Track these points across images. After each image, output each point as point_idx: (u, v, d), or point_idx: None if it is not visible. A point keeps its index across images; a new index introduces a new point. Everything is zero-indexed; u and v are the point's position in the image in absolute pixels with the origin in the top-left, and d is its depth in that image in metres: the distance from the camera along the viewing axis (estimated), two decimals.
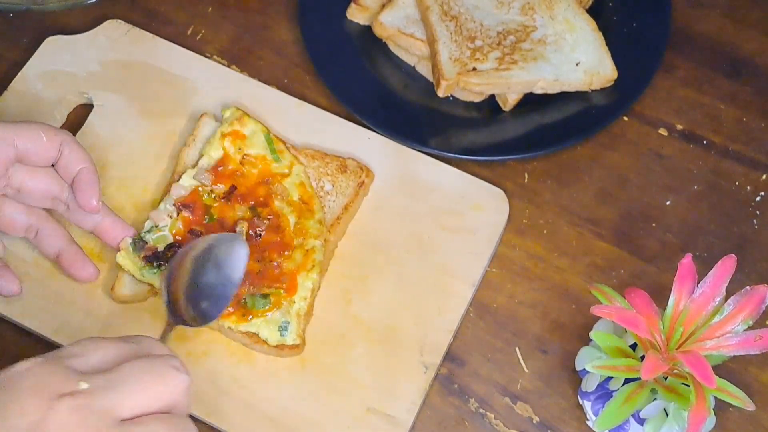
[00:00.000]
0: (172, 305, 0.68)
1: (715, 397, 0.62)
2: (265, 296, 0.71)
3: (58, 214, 0.75)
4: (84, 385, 0.50)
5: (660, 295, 0.65)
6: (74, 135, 0.81)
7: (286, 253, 0.73)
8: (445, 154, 0.80)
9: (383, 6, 0.85)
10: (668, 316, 0.63)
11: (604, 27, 0.84)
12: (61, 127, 0.82)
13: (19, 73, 0.84)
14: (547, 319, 0.75)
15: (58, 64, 0.84)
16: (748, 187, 0.80)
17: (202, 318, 0.68)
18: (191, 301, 0.68)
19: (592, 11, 0.85)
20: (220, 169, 0.76)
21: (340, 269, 0.76)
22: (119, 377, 0.51)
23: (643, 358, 0.64)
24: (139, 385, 0.51)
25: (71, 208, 0.73)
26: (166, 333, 0.67)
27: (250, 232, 0.74)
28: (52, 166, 0.72)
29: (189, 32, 0.88)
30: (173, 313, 0.68)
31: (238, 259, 0.70)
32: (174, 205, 0.75)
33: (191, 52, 0.85)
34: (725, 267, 0.63)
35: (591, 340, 0.66)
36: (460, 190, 0.79)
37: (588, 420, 0.69)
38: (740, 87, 0.85)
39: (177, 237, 0.74)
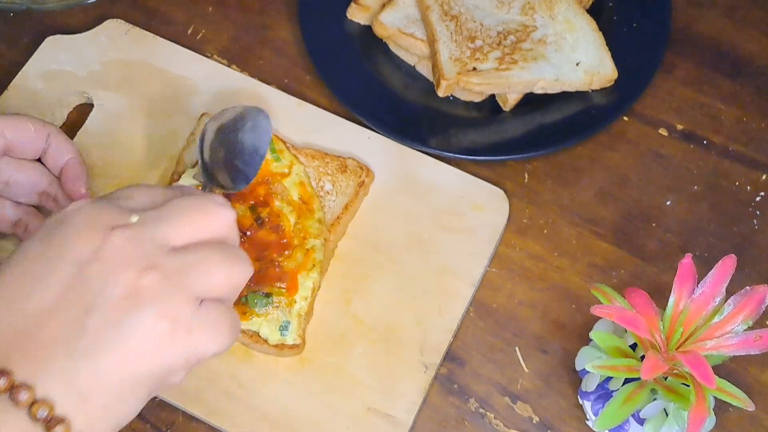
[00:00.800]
0: (206, 170, 0.70)
1: (715, 397, 0.62)
2: (268, 295, 0.71)
3: (46, 212, 0.75)
4: (135, 218, 0.52)
5: (660, 295, 0.65)
6: (74, 135, 0.81)
7: (286, 252, 0.73)
8: (446, 153, 0.80)
9: (383, 6, 0.85)
10: (668, 316, 0.63)
11: (604, 27, 0.84)
12: (60, 127, 0.82)
13: (20, 73, 0.84)
14: (547, 319, 0.75)
15: (58, 64, 0.84)
16: (748, 187, 0.80)
17: (236, 181, 0.71)
18: (225, 165, 0.70)
19: (592, 11, 0.85)
20: None
21: (340, 269, 0.76)
22: (167, 212, 0.53)
23: (643, 358, 0.64)
24: (187, 218, 0.53)
25: (60, 202, 0.74)
26: None
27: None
28: (38, 160, 0.73)
29: (189, 32, 0.88)
30: (208, 176, 0.70)
31: (264, 132, 0.73)
32: None
33: (191, 52, 0.85)
34: (725, 267, 0.63)
35: (591, 340, 0.66)
36: (460, 190, 0.79)
37: (588, 420, 0.69)
38: (740, 87, 0.85)
39: None
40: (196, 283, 0.52)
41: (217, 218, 0.54)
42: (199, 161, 0.71)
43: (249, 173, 0.71)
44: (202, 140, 0.71)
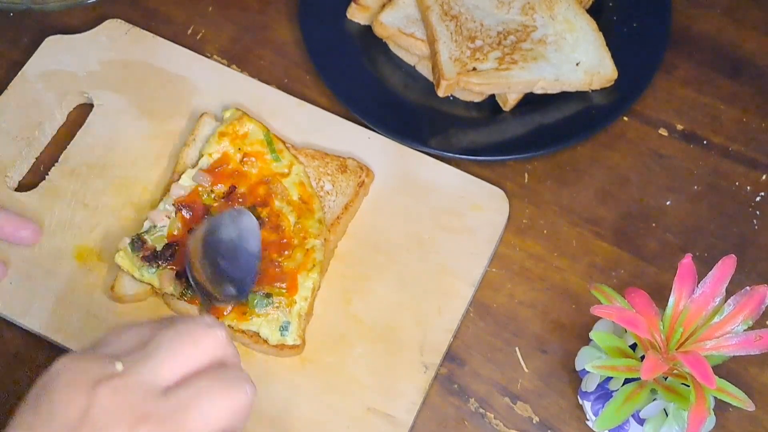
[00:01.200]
0: (200, 288, 0.68)
1: (715, 397, 0.62)
2: (268, 295, 0.71)
3: None
4: (119, 366, 0.50)
5: (660, 295, 0.65)
6: (74, 135, 0.81)
7: (286, 252, 0.73)
8: (446, 154, 0.80)
9: (383, 6, 0.85)
10: (668, 316, 0.63)
11: (604, 27, 0.84)
12: (60, 127, 0.82)
13: (19, 73, 0.84)
14: (547, 319, 0.75)
15: (58, 64, 0.84)
16: (748, 187, 0.80)
17: (233, 296, 0.68)
18: (217, 284, 0.68)
19: (592, 11, 0.85)
20: (219, 169, 0.76)
21: (340, 269, 0.76)
22: (153, 349, 0.51)
23: (643, 358, 0.64)
24: (174, 351, 0.51)
25: None
26: (201, 313, 0.67)
27: None
28: None
29: (189, 32, 0.88)
30: (205, 295, 0.68)
31: (249, 231, 0.69)
32: (173, 205, 0.75)
33: (191, 52, 0.85)
34: (725, 267, 0.63)
35: (591, 340, 0.66)
36: (460, 190, 0.79)
37: (588, 420, 0.69)
38: (740, 87, 0.85)
39: (176, 237, 0.74)
40: (194, 423, 0.50)
41: (207, 342, 0.52)
42: (192, 282, 0.69)
43: (246, 280, 0.68)
44: (188, 262, 0.69)
